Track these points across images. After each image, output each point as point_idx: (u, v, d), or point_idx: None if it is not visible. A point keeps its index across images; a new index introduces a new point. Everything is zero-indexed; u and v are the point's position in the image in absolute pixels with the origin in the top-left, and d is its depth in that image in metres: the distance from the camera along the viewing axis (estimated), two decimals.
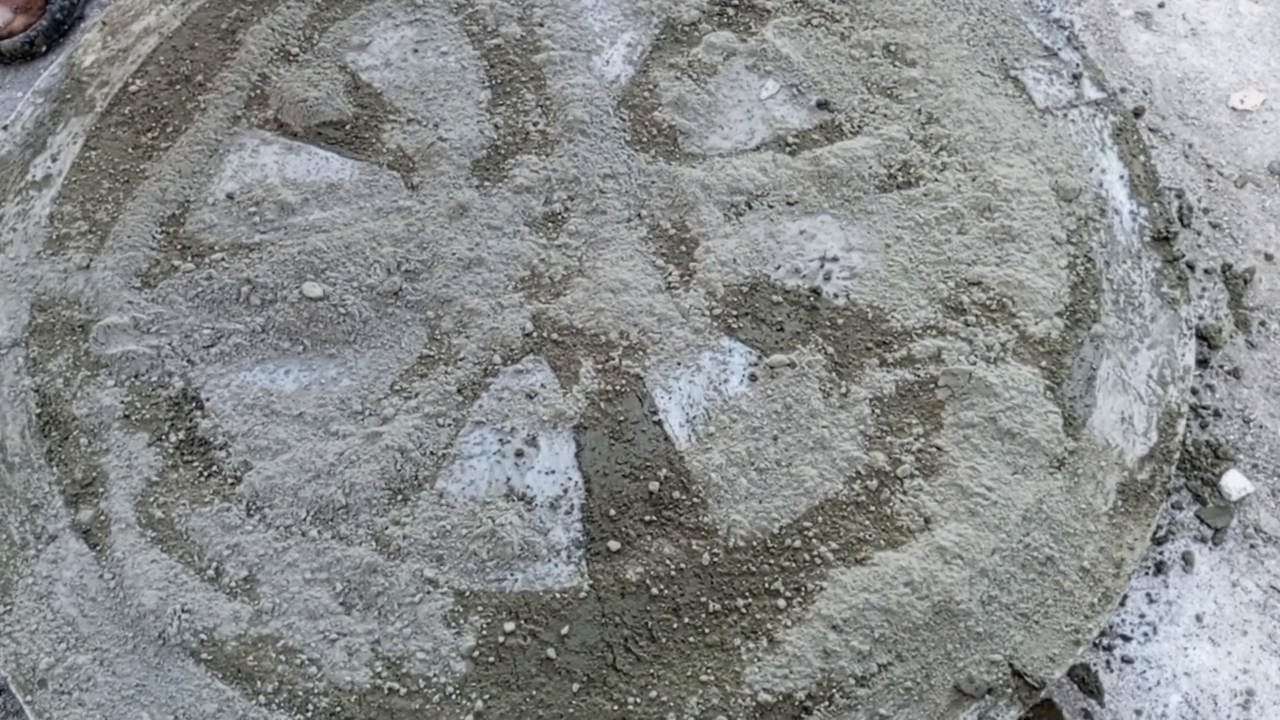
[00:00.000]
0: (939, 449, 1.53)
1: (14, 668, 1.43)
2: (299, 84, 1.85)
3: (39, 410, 1.60)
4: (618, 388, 1.58)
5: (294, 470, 1.53)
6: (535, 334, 1.63)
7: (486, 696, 1.38)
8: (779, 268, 1.67)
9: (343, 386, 1.60)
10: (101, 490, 1.53)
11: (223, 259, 1.70)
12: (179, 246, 1.72)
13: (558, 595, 1.44)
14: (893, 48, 1.86)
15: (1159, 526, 1.60)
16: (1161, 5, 2.09)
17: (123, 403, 1.60)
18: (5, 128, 1.87)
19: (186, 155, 1.80)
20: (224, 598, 1.46)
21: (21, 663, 1.44)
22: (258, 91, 1.87)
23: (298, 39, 1.91)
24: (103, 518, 1.51)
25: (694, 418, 1.56)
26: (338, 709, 1.38)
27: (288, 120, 1.83)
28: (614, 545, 1.47)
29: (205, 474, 1.55)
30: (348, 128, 1.82)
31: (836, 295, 1.65)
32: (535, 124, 1.81)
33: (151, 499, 1.53)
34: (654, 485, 1.51)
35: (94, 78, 1.89)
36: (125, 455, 1.56)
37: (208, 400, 1.60)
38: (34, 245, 1.73)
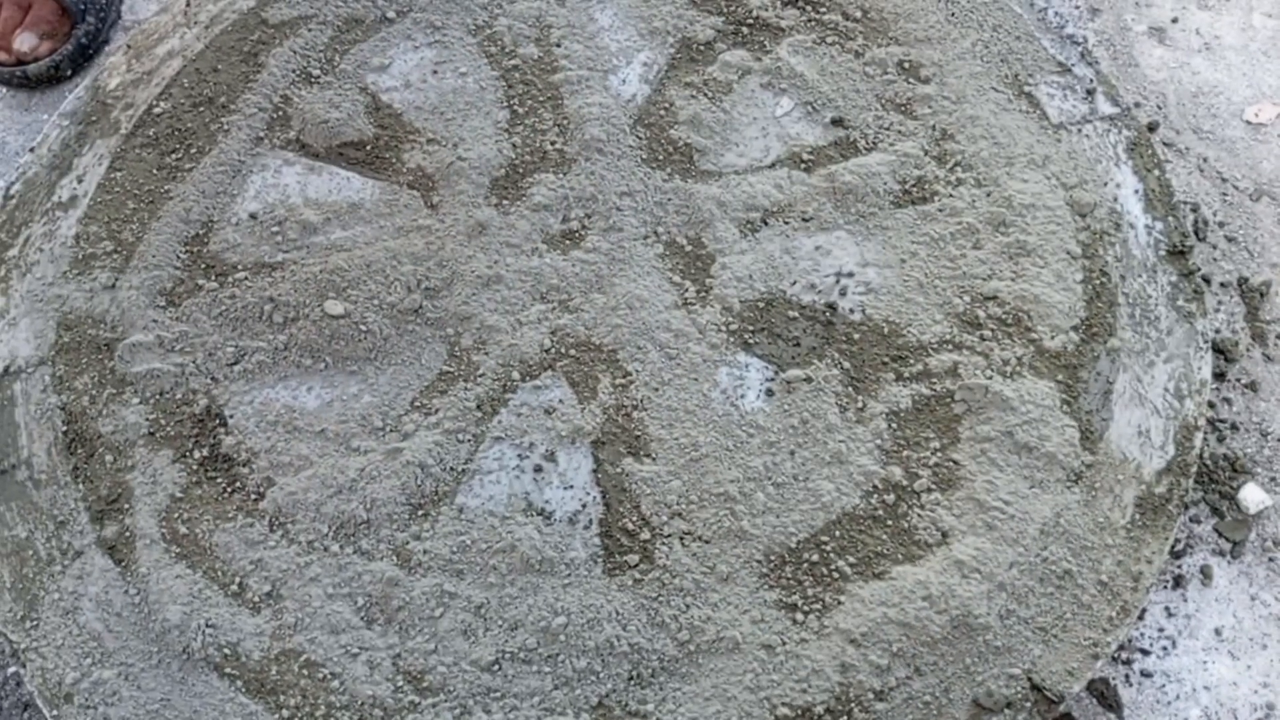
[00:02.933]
0: (956, 463, 1.53)
1: (40, 682, 1.45)
2: (320, 105, 1.87)
3: (65, 428, 1.62)
4: (635, 403, 1.59)
5: (316, 486, 1.55)
6: (553, 350, 1.65)
7: (506, 710, 1.39)
8: (795, 283, 1.69)
9: (364, 403, 1.62)
10: (127, 506, 1.56)
11: (246, 278, 1.73)
12: (203, 266, 1.75)
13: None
14: (906, 65, 1.88)
15: (1177, 540, 1.60)
16: (1175, 20, 2.10)
17: (147, 420, 1.62)
18: (32, 150, 1.91)
19: (210, 176, 1.83)
20: (247, 613, 1.47)
21: (48, 677, 1.46)
22: (280, 113, 1.90)
23: (319, 61, 1.94)
24: (128, 534, 1.53)
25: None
26: None
27: (309, 141, 1.86)
28: (632, 560, 1.48)
29: (229, 490, 1.57)
30: (368, 148, 1.85)
31: (852, 310, 1.66)
32: (553, 143, 1.84)
33: (176, 515, 1.55)
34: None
35: (119, 100, 1.93)
36: (150, 472, 1.58)
37: (231, 417, 1.62)
38: (60, 265, 1.76)
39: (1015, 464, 1.52)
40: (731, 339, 1.64)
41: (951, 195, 1.74)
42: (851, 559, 1.47)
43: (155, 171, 1.84)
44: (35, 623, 1.49)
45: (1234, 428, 1.69)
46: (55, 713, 1.43)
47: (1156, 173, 1.77)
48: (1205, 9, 2.11)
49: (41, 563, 1.53)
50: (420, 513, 1.54)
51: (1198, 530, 1.62)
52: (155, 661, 1.45)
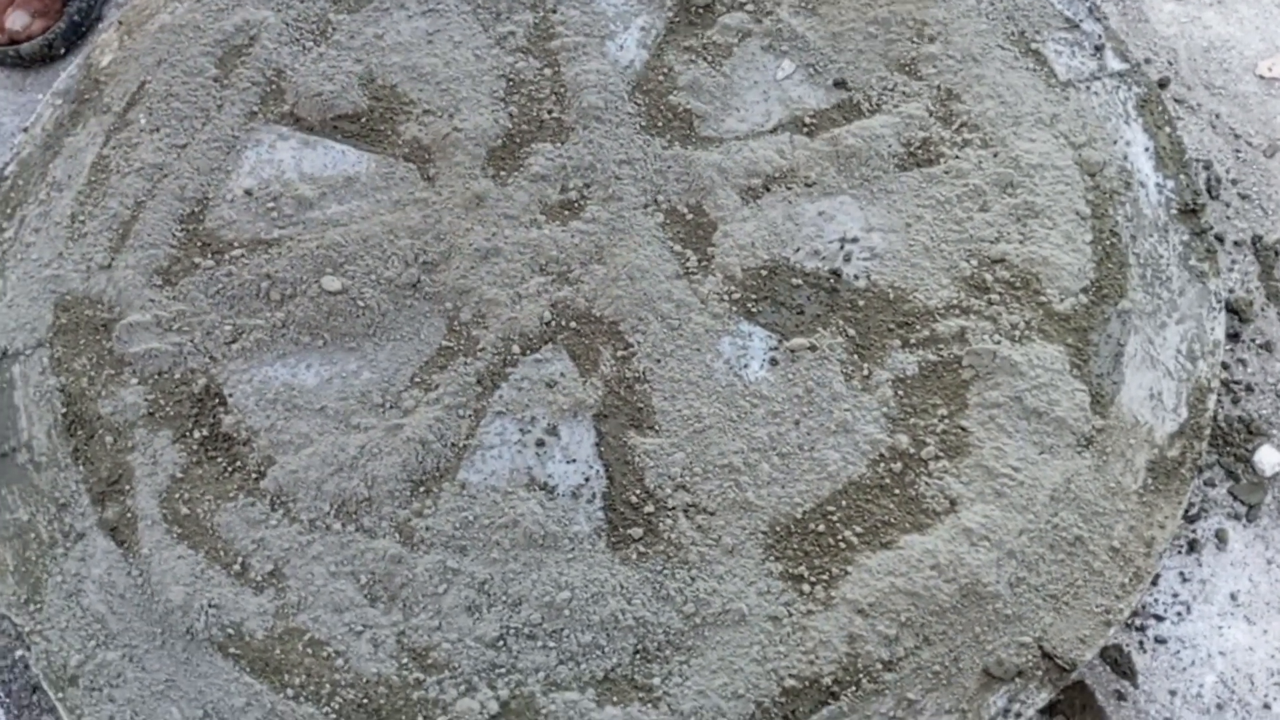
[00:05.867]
0: (964, 430, 1.51)
1: (45, 665, 1.45)
2: (314, 78, 1.85)
3: (64, 410, 1.61)
4: (637, 375, 1.57)
5: (317, 464, 1.53)
6: (554, 323, 1.62)
7: (512, 686, 1.38)
8: (798, 250, 1.66)
9: (363, 379, 1.61)
10: (127, 488, 1.55)
11: (242, 255, 1.71)
12: (199, 244, 1.73)
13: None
14: (910, 23, 1.83)
15: (1191, 504, 1.58)
16: None
17: (146, 400, 1.61)
18: (26, 130, 1.89)
19: (204, 152, 1.80)
20: (250, 592, 1.46)
21: (53, 660, 1.45)
22: (274, 87, 1.87)
23: (312, 33, 1.91)
24: (129, 515, 1.52)
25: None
26: (364, 700, 1.38)
27: (303, 114, 1.83)
28: (636, 533, 1.46)
29: (229, 469, 1.56)
30: (363, 120, 1.82)
31: (857, 276, 1.63)
32: (550, 112, 1.80)
33: (177, 495, 1.54)
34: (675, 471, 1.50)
35: (112, 77, 1.90)
36: (150, 453, 1.57)
37: (230, 396, 1.61)
38: (56, 246, 1.74)
39: (1024, 430, 1.49)
40: (734, 308, 1.62)
41: (957, 157, 1.70)
42: (858, 529, 1.45)
43: (149, 149, 1.82)
44: (39, 606, 1.49)
45: (1249, 389, 1.66)
46: (61, 695, 1.43)
47: (1167, 130, 1.72)
48: None
49: (44, 545, 1.52)
50: (422, 489, 1.52)
51: (1212, 494, 1.59)
52: (159, 643, 1.44)
